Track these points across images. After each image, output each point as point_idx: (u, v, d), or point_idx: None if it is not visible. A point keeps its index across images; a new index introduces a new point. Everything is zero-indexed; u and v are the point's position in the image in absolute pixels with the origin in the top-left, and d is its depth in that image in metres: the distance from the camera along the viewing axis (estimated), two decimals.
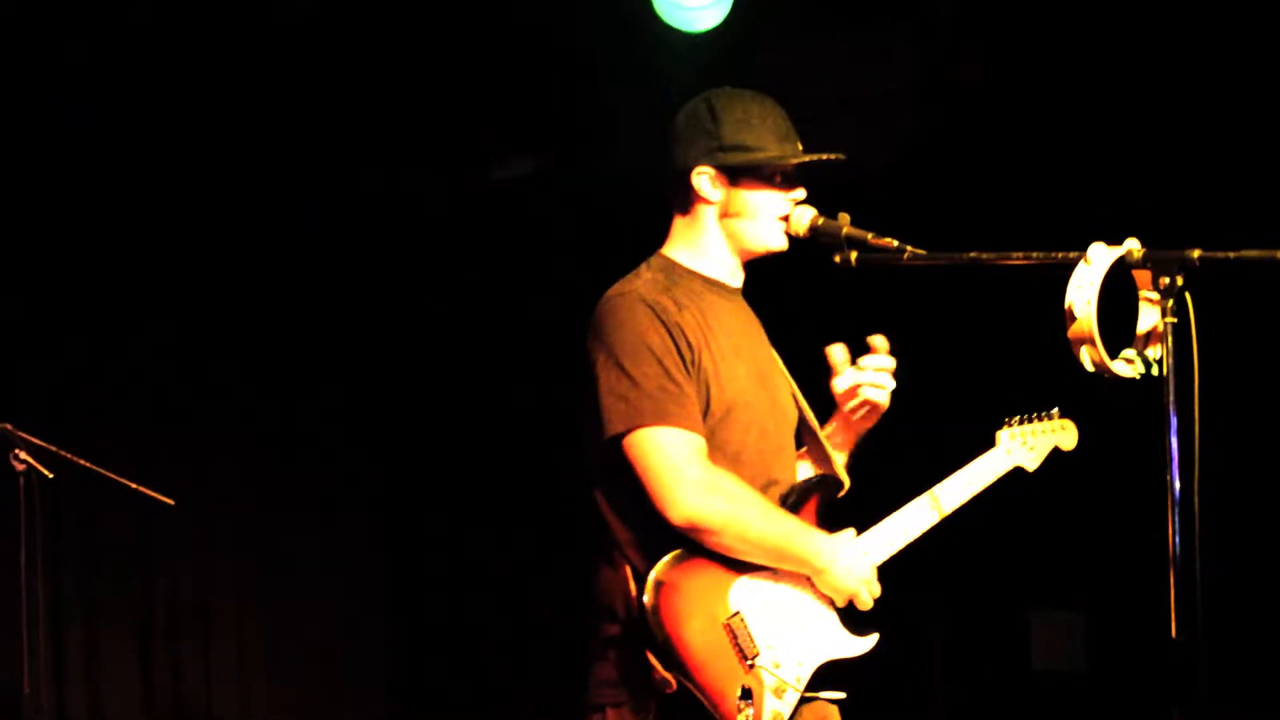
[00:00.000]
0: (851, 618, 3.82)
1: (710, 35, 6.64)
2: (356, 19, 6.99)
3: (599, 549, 3.75)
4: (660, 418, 3.64)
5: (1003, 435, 4.03)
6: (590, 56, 7.06)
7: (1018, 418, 4.04)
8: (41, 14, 6.49)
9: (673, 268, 3.89)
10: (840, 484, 3.93)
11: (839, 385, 3.96)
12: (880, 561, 3.85)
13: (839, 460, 3.98)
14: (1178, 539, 3.03)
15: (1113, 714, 6.79)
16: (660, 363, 3.68)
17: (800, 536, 3.74)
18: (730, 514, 3.63)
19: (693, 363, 3.72)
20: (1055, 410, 4.08)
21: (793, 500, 3.82)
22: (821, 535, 3.78)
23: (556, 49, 7.07)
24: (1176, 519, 3.04)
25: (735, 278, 3.95)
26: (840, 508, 3.95)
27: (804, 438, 4.01)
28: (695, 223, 3.90)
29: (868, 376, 3.93)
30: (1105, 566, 6.74)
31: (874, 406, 3.96)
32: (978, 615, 7.31)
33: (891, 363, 3.95)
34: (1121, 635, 6.80)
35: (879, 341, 3.95)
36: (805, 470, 3.99)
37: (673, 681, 3.53)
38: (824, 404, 4.05)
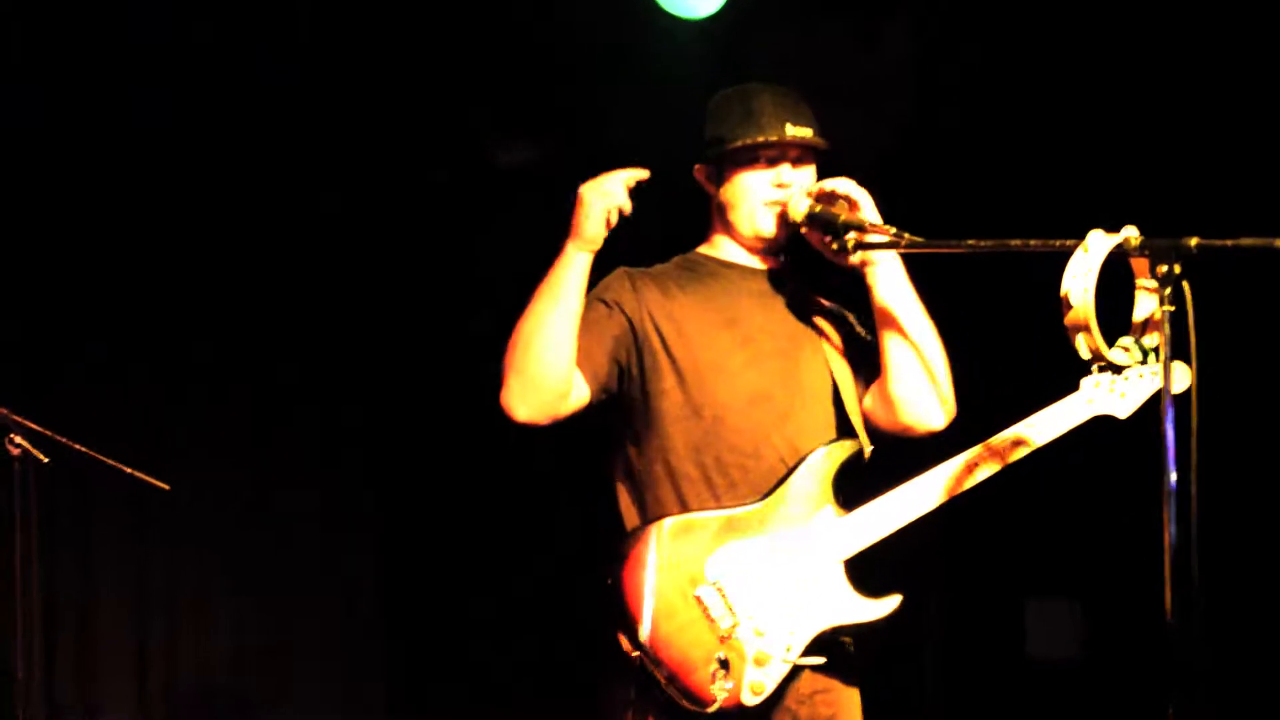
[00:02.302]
0: (868, 583, 3.79)
1: (710, 21, 6.64)
2: (353, 7, 6.98)
3: (604, 526, 3.82)
4: None
5: (1087, 381, 3.78)
6: (589, 42, 7.04)
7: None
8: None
9: (691, 258, 4.03)
10: (860, 447, 3.89)
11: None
12: (903, 524, 3.79)
13: (861, 426, 3.93)
14: (1174, 527, 3.02)
15: (1108, 702, 6.79)
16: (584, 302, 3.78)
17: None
18: (511, 359, 3.75)
19: (625, 323, 3.82)
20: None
21: (800, 464, 3.80)
22: None
23: (556, 35, 7.06)
24: (1173, 507, 3.03)
25: (757, 261, 4.00)
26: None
27: (838, 408, 3.98)
28: (710, 217, 4.03)
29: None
30: (1101, 555, 6.74)
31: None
32: (973, 603, 7.31)
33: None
34: (1117, 623, 6.80)
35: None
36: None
37: (636, 656, 3.56)
38: None
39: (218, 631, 7.40)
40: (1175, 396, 3.05)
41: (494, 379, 3.81)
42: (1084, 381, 3.83)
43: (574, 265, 3.72)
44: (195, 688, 7.29)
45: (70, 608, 6.92)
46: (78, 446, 5.88)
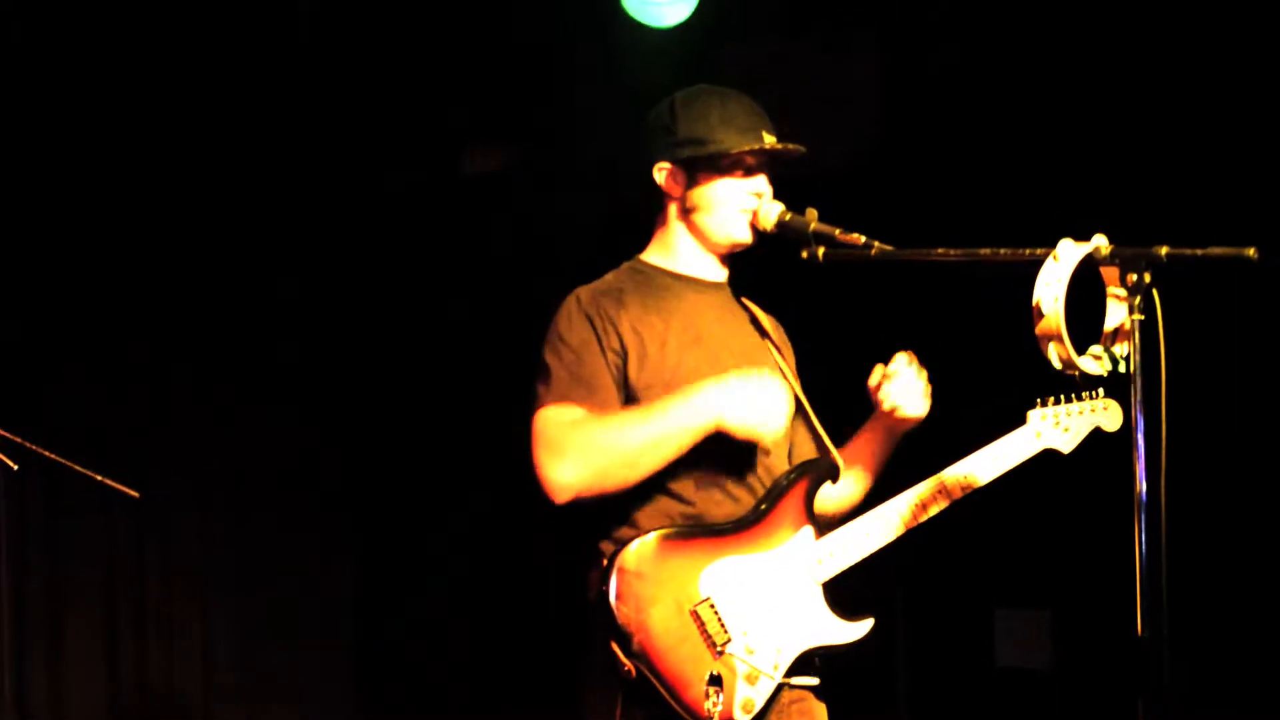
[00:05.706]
0: (840, 596, 3.80)
1: (677, 30, 6.64)
2: (325, 17, 6.97)
3: (582, 540, 3.79)
4: (559, 398, 3.72)
5: (1033, 415, 3.91)
6: (557, 51, 7.04)
7: (1052, 398, 3.89)
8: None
9: (640, 268, 3.97)
10: (834, 468, 3.91)
11: (871, 382, 3.95)
12: (880, 546, 3.84)
13: (834, 446, 3.97)
14: (1144, 537, 3.02)
15: (1078, 712, 6.80)
16: (575, 351, 3.75)
17: (678, 405, 3.67)
18: (590, 455, 3.64)
19: (617, 351, 3.77)
20: (1099, 390, 3.88)
21: (782, 484, 3.83)
22: (709, 384, 3.70)
23: (524, 43, 7.05)
24: (1143, 517, 3.03)
25: (714, 272, 3.99)
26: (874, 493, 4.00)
27: (801, 425, 4.01)
28: (665, 221, 3.97)
29: (893, 383, 3.92)
30: (1071, 564, 6.75)
31: (901, 410, 3.93)
32: (942, 612, 7.31)
33: (911, 371, 3.93)
34: (1087, 633, 6.81)
35: (902, 358, 3.93)
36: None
37: (633, 670, 3.55)
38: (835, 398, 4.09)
39: (187, 636, 7.36)
40: (1145, 403, 3.05)
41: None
42: (1030, 415, 3.93)
43: (703, 428, 3.66)
44: (165, 690, 7.26)
45: (40, 613, 6.86)
46: (47, 453, 5.85)
